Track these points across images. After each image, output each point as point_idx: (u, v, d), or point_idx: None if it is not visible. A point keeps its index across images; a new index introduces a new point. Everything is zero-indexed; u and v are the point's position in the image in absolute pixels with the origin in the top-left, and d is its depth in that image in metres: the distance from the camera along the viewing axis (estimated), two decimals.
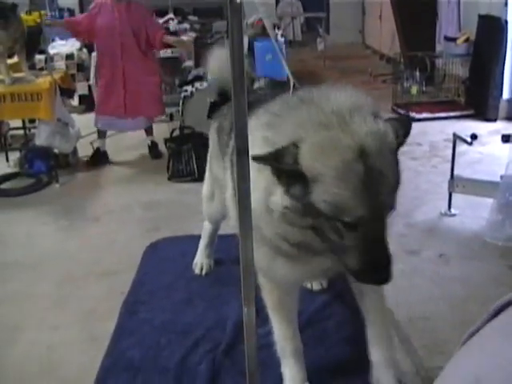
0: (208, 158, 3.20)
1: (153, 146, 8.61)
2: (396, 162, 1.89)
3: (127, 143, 9.16)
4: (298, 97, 2.03)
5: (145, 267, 3.45)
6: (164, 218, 6.44)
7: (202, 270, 3.41)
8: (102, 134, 8.50)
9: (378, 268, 1.87)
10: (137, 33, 7.86)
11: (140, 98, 8.05)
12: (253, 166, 1.80)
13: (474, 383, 0.92)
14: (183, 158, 7.61)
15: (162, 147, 8.28)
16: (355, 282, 2.33)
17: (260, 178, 1.92)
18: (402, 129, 1.93)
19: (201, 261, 3.46)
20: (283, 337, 2.42)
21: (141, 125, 8.39)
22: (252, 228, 1.78)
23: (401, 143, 1.92)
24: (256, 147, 1.83)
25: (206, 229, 3.45)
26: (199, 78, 8.60)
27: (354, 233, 1.83)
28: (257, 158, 1.79)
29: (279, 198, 1.87)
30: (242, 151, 1.67)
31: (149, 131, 8.60)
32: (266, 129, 1.95)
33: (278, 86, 2.36)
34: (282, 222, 1.93)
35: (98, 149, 8.54)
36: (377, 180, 1.78)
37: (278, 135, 1.89)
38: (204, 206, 3.32)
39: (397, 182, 1.88)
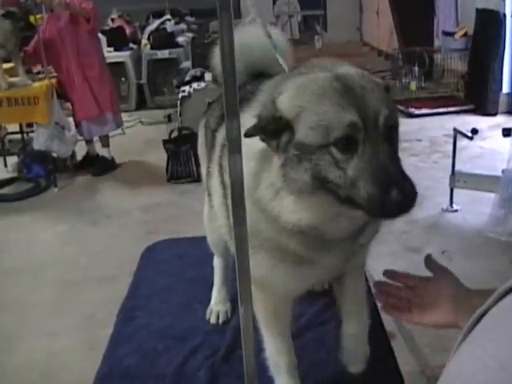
0: (200, 162, 2.88)
1: (101, 161, 8.58)
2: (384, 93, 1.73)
3: (125, 146, 9.12)
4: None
5: (142, 271, 3.37)
6: (163, 221, 6.41)
7: (218, 318, 2.91)
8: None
9: (393, 186, 1.56)
10: None
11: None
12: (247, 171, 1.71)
13: (498, 369, 0.87)
14: (182, 159, 7.58)
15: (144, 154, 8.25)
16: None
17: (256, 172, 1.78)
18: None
19: (216, 308, 2.95)
20: (277, 352, 2.27)
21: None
22: (246, 222, 1.69)
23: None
24: None
25: (216, 266, 3.01)
26: (197, 79, 8.56)
27: (355, 156, 1.60)
28: (247, 134, 1.66)
29: (276, 167, 1.71)
30: (234, 150, 1.61)
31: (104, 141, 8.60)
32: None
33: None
34: (290, 194, 1.71)
35: (87, 153, 8.60)
36: (360, 91, 1.64)
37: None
38: (206, 230, 2.88)
39: (388, 99, 1.71)
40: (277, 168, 1.71)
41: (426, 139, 8.43)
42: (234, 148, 1.58)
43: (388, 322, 3.78)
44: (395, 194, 1.54)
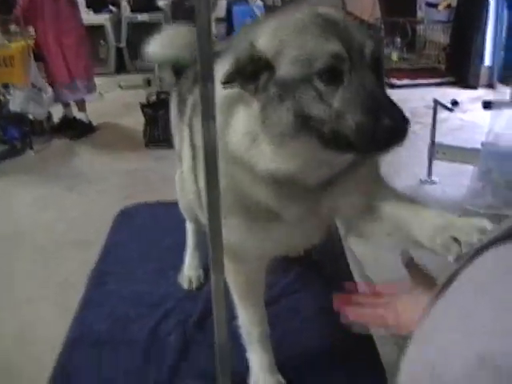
0: (172, 133, 2.76)
1: (78, 124, 8.50)
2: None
3: (103, 110, 9.03)
4: None
5: (115, 235, 3.32)
6: (141, 186, 6.36)
7: (191, 283, 2.88)
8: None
9: (383, 112, 1.48)
10: None
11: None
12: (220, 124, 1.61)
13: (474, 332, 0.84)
14: (160, 123, 7.51)
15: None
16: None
17: (231, 124, 1.67)
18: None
19: (188, 273, 2.91)
20: (249, 322, 2.22)
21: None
22: (219, 187, 1.62)
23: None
24: None
25: (188, 230, 3.00)
26: None
27: (341, 87, 1.52)
28: (225, 82, 1.57)
29: (255, 112, 1.61)
30: (208, 115, 1.54)
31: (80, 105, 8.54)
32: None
33: None
34: (269, 140, 1.61)
35: (64, 116, 8.49)
36: (343, 25, 1.57)
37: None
38: (178, 198, 2.86)
39: (373, 34, 1.67)
40: (255, 113, 1.62)
41: (406, 110, 8.12)
42: (208, 112, 1.52)
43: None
44: (386, 121, 1.46)
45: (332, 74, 1.52)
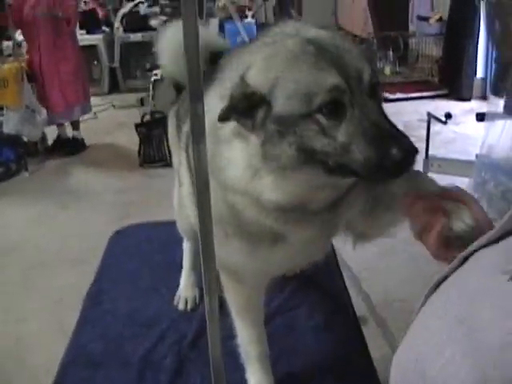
0: (172, 151, 2.81)
1: (72, 142, 8.55)
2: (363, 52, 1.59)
3: (97, 130, 9.05)
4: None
5: (109, 255, 3.31)
6: (135, 205, 6.37)
7: (186, 304, 2.84)
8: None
9: (391, 143, 1.43)
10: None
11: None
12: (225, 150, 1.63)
13: (457, 324, 0.94)
14: (154, 142, 7.54)
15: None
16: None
17: (234, 155, 1.64)
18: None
19: (184, 294, 2.88)
20: (248, 341, 2.21)
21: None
22: (211, 211, 1.60)
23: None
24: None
25: (185, 249, 2.99)
26: None
27: (343, 120, 1.47)
28: (221, 118, 1.54)
29: (254, 147, 1.57)
30: (199, 139, 1.53)
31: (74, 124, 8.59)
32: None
33: None
34: (270, 172, 1.57)
35: (58, 136, 8.54)
36: (336, 51, 1.51)
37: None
38: (176, 217, 2.84)
39: (366, 54, 1.60)
40: (255, 147, 1.57)
41: (400, 124, 8.21)
42: (198, 134, 1.50)
43: (360, 307, 3.77)
44: (395, 152, 1.41)
45: (333, 108, 1.47)
